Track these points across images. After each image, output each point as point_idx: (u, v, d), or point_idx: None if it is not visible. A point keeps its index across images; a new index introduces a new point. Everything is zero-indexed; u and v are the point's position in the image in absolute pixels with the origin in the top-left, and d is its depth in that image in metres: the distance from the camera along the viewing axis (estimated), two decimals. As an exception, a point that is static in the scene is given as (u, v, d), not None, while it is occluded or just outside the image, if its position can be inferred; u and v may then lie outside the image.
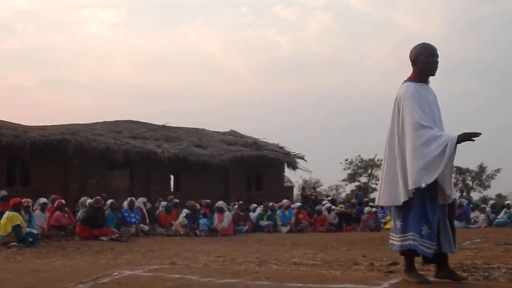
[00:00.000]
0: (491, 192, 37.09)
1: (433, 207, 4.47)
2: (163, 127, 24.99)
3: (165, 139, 22.97)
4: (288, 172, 26.82)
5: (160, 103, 66.02)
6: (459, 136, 4.36)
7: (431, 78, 4.70)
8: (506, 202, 21.61)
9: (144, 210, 15.92)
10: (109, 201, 14.60)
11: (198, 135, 24.91)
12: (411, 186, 4.42)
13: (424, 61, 4.63)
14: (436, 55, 4.64)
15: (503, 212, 20.31)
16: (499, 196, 34.48)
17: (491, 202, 23.22)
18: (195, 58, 75.15)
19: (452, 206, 4.60)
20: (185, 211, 16.22)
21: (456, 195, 4.65)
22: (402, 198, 4.50)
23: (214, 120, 64.28)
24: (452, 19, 70.53)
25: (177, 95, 69.03)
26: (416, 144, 4.43)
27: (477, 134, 4.36)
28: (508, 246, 10.07)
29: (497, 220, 19.94)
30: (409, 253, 4.57)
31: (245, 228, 16.97)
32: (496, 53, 67.38)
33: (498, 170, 37.42)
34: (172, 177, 22.89)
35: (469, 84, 67.47)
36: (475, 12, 70.93)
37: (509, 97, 62.56)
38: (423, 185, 4.38)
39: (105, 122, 24.18)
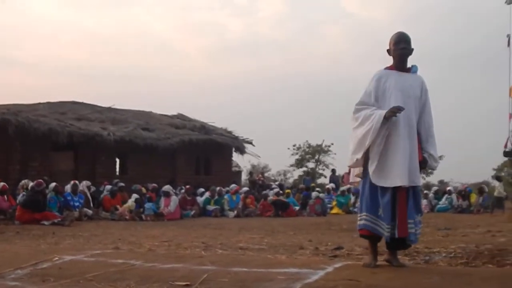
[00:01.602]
0: (433, 179, 38.09)
1: (383, 188, 4.55)
2: (109, 109, 24.42)
3: (111, 122, 22.45)
4: (236, 157, 26.84)
5: (107, 85, 64.70)
6: (386, 113, 4.50)
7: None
8: (448, 188, 22.24)
9: (88, 194, 15.62)
10: (52, 184, 14.26)
11: (145, 118, 24.47)
12: (348, 164, 4.82)
13: (393, 49, 4.75)
14: (404, 42, 4.70)
15: (444, 198, 20.93)
16: (441, 182, 35.38)
17: (434, 188, 23.74)
18: (145, 39, 73.87)
19: (414, 193, 4.63)
20: (134, 196, 16.07)
21: (416, 182, 4.59)
22: (354, 178, 4.86)
23: (162, 103, 63.43)
24: (397, 9, 71.82)
25: (125, 77, 67.68)
26: (354, 126, 4.69)
27: (399, 108, 4.48)
28: (448, 231, 10.39)
29: (438, 206, 20.55)
30: (364, 234, 4.69)
31: (192, 212, 16.91)
32: (438, 42, 69.05)
33: (440, 157, 38.32)
34: (118, 160, 22.47)
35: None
36: (418, 2, 72.57)
37: (451, 85, 64.31)
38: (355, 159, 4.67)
39: (48, 103, 23.38)
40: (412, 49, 4.76)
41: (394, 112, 4.48)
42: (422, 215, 4.76)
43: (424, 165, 4.68)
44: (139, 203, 15.91)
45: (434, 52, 63.42)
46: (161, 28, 73.41)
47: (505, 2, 12.83)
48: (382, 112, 4.52)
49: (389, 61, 4.85)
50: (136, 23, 72.91)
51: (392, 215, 4.51)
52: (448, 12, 70.07)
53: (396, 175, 4.50)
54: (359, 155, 4.64)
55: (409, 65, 4.81)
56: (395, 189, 4.52)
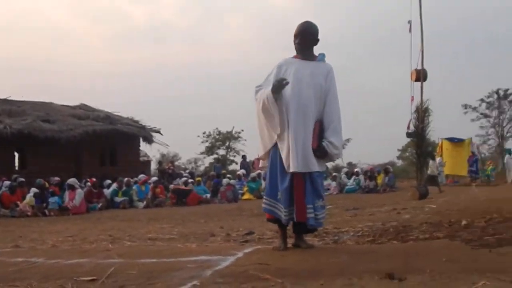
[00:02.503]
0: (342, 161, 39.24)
1: (282, 174, 4.64)
2: (5, 101, 23.17)
3: (8, 114, 21.33)
4: (144, 146, 26.40)
5: (1, 76, 60.99)
6: (272, 87, 4.60)
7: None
8: (355, 170, 22.86)
9: (-15, 191, 14.76)
10: None
11: (45, 109, 23.45)
12: (261, 152, 4.90)
13: (293, 40, 4.81)
14: (300, 35, 4.75)
15: (352, 179, 21.56)
16: (349, 164, 36.53)
17: (345, 170, 24.06)
18: (41, 25, 70.51)
19: (311, 178, 4.63)
20: (33, 190, 15.38)
21: (311, 169, 4.60)
22: (264, 163, 4.95)
23: (63, 93, 60.91)
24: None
25: (21, 66, 64.20)
26: (256, 108, 4.80)
27: (282, 81, 4.56)
28: (356, 211, 10.71)
29: (347, 187, 21.15)
30: (268, 217, 4.83)
31: (99, 205, 16.47)
32: (351, 30, 71.30)
33: (348, 140, 39.66)
34: (16, 154, 21.48)
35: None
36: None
37: (358, 69, 66.73)
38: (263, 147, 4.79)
39: None
40: (313, 39, 4.79)
41: (279, 83, 4.55)
42: (324, 200, 4.75)
43: (320, 152, 4.65)
44: (40, 198, 15.24)
45: (343, 37, 65.37)
46: (58, 15, 70.45)
47: (406, -11, 13.32)
48: (269, 90, 4.62)
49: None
50: (30, 8, 69.32)
51: (291, 200, 4.58)
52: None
53: (289, 162, 4.58)
54: (265, 135, 4.75)
55: (317, 53, 4.84)
56: (293, 175, 4.58)
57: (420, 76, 13.49)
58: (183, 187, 18.55)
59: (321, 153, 4.65)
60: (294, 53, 4.88)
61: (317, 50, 4.88)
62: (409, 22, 13.69)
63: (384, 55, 68.98)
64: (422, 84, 13.54)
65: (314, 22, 4.86)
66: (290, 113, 4.62)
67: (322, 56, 4.83)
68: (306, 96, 4.65)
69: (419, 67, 13.57)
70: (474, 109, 44.62)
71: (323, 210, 4.72)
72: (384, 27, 70.62)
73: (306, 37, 4.75)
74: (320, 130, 4.67)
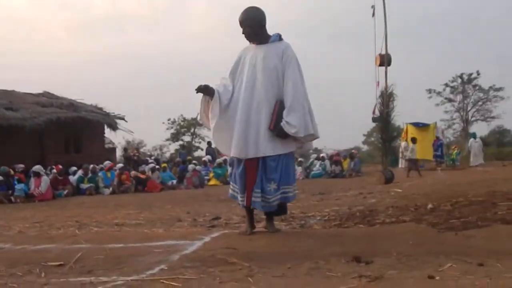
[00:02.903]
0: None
1: (238, 160, 4.71)
2: (-34, 89, 22.65)
3: (-30, 103, 20.86)
4: (109, 134, 26.14)
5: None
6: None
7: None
8: (321, 155, 23.01)
9: None
10: None
11: (7, 97, 22.91)
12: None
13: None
14: (241, 23, 4.73)
15: (318, 164, 21.72)
16: (315, 150, 36.77)
17: (314, 155, 24.16)
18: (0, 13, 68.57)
19: (264, 163, 4.64)
20: (-3, 178, 15.09)
21: (264, 153, 4.60)
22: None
23: (26, 81, 59.50)
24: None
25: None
26: None
27: (198, 87, 4.70)
28: (323, 196, 10.84)
29: (313, 172, 21.31)
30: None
31: (65, 192, 16.28)
32: (317, 15, 71.37)
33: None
34: (-20, 142, 20.98)
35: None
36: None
37: (324, 53, 66.82)
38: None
39: None
40: (258, 25, 4.74)
41: (198, 88, 4.71)
42: (276, 183, 4.61)
43: (278, 133, 4.59)
44: (6, 185, 15.02)
45: (308, 21, 65.33)
46: (17, 1, 68.57)
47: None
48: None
49: None
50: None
51: (244, 184, 4.64)
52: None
53: (234, 147, 4.62)
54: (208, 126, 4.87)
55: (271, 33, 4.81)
56: (246, 160, 4.63)
57: (384, 61, 13.65)
58: (141, 175, 18.44)
59: (278, 133, 4.59)
60: None
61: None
62: (373, 7, 13.82)
63: (349, 39, 69.37)
64: (386, 69, 13.71)
65: (256, 6, 4.78)
66: (244, 99, 4.64)
67: (276, 36, 4.76)
68: (261, 81, 4.64)
69: (383, 52, 13.72)
70: (439, 93, 45.04)
71: (275, 194, 4.61)
72: (348, 11, 70.91)
73: (249, 25, 4.72)
74: (279, 110, 4.60)
